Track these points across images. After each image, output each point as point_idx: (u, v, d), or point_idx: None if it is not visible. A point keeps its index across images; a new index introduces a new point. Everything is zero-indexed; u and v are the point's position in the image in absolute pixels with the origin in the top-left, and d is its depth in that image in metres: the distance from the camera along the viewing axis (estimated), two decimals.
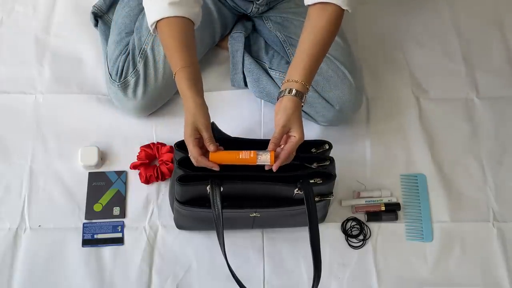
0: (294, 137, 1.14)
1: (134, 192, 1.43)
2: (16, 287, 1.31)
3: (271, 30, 1.52)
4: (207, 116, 1.14)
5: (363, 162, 1.50)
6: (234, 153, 1.14)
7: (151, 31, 1.24)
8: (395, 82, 1.63)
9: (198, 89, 1.16)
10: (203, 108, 1.14)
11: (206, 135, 1.13)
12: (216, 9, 1.49)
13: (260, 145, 1.16)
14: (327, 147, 1.25)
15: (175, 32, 1.19)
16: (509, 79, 1.66)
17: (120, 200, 1.42)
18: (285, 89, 1.16)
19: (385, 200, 1.44)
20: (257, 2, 1.47)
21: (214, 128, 1.18)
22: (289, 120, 1.14)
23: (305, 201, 1.16)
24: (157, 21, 1.20)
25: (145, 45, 1.44)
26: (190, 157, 1.15)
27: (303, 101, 1.16)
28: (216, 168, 1.13)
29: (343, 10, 1.20)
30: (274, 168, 1.13)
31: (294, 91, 1.15)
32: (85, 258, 1.35)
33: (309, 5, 1.22)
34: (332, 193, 1.25)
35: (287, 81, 1.17)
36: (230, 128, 1.28)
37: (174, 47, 1.18)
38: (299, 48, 1.20)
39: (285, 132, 1.15)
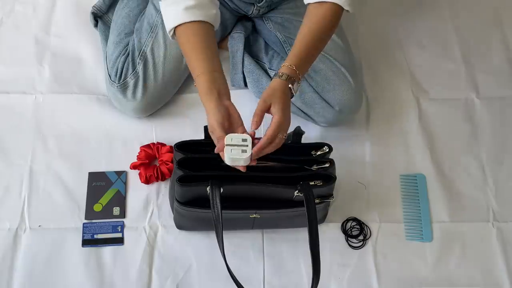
0: (274, 117, 1.11)
1: (134, 192, 1.43)
2: (16, 287, 1.31)
3: (271, 31, 1.52)
4: (213, 118, 1.11)
5: (363, 163, 1.50)
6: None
7: (170, 37, 1.21)
8: (395, 82, 1.63)
9: (211, 94, 1.13)
10: (211, 111, 1.12)
11: (214, 135, 1.12)
12: None
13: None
14: (327, 149, 1.25)
15: (191, 37, 1.17)
16: (509, 79, 1.66)
17: (120, 200, 1.42)
18: (275, 74, 1.15)
19: None
20: (258, 5, 1.47)
21: None
22: (272, 95, 1.12)
23: (305, 204, 1.16)
24: (175, 28, 1.18)
25: (145, 46, 1.44)
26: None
27: (293, 88, 1.15)
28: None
29: (342, 9, 1.20)
30: (254, 156, 1.10)
31: (284, 75, 1.14)
32: (85, 258, 1.35)
33: (309, 4, 1.22)
34: (332, 195, 1.25)
35: (281, 67, 1.16)
36: None
37: (191, 55, 1.16)
38: (296, 41, 1.19)
39: (266, 108, 1.12)
